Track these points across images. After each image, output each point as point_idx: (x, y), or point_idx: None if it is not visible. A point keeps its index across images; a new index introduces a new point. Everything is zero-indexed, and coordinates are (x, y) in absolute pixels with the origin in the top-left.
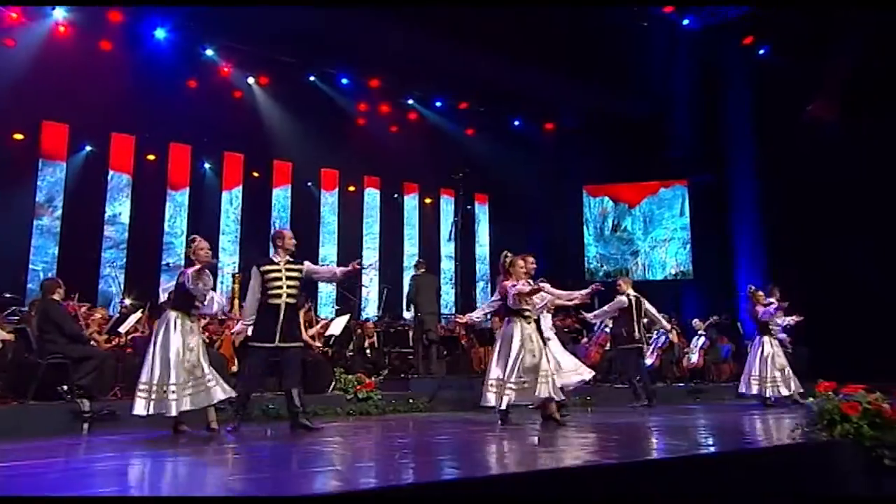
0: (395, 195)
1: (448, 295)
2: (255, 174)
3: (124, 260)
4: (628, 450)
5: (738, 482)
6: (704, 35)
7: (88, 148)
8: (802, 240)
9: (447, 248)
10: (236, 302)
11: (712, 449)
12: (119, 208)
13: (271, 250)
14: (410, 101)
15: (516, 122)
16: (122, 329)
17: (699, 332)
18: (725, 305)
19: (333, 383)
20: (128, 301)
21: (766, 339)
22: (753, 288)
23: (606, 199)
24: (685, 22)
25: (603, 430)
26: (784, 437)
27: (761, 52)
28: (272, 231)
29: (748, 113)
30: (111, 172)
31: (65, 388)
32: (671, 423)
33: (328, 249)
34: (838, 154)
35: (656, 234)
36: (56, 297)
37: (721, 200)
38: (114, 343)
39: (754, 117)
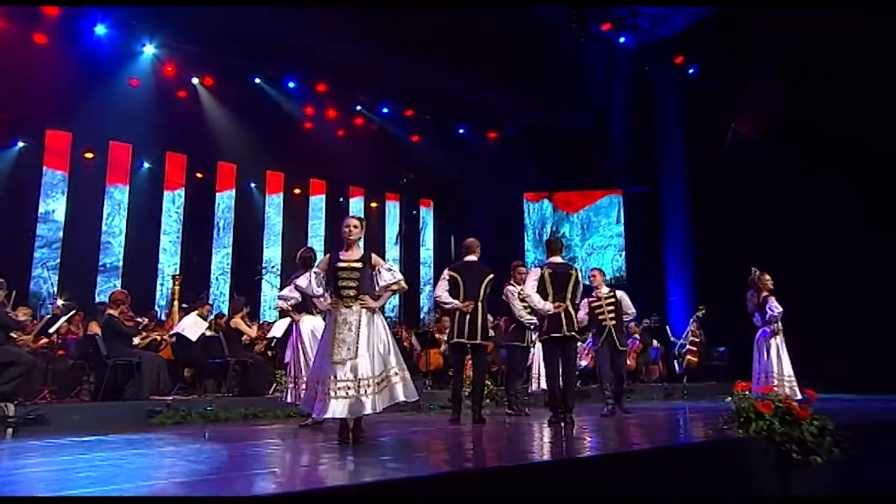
0: (341, 199)
1: (392, 299)
2: (199, 175)
3: (58, 259)
4: (558, 447)
5: (663, 478)
6: (639, 53)
7: (21, 143)
8: (728, 249)
9: (392, 252)
10: (175, 304)
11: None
12: (53, 205)
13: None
14: (358, 107)
15: (461, 130)
16: (53, 330)
17: (633, 336)
18: (656, 309)
19: (274, 385)
20: (60, 302)
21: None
22: (759, 273)
23: (546, 201)
24: (621, 40)
25: (528, 430)
26: (704, 435)
27: (691, 71)
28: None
29: (679, 128)
30: (45, 169)
31: None
32: (602, 421)
33: (273, 252)
34: (763, 169)
35: (594, 241)
36: None
37: (654, 210)
38: (41, 343)
39: (685, 132)
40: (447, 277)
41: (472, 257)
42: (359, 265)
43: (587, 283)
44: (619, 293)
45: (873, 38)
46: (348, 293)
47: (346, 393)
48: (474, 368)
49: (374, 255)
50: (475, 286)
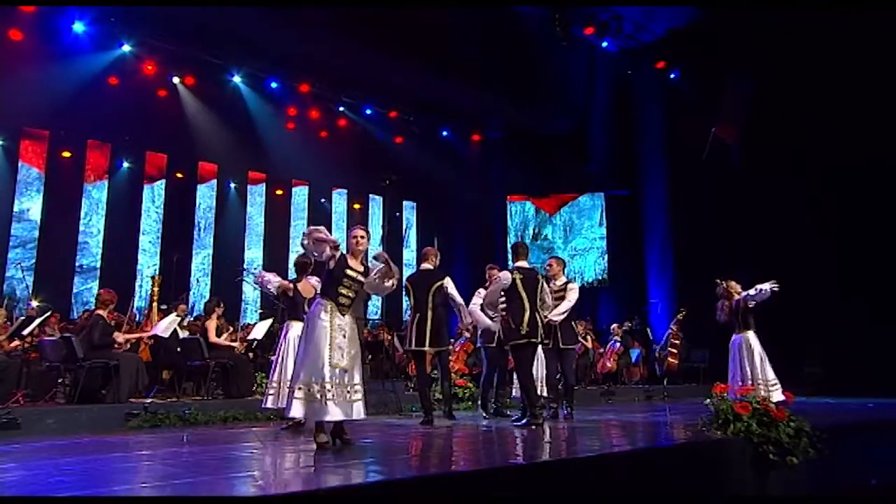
0: (323, 200)
1: (375, 300)
2: (179, 175)
3: (33, 260)
4: (534, 450)
5: (644, 478)
6: (621, 57)
7: None
8: (708, 252)
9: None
10: (154, 306)
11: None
12: (28, 204)
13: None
14: (341, 108)
15: (444, 133)
16: (26, 332)
17: (615, 338)
18: (637, 312)
19: (255, 387)
20: (35, 303)
21: (750, 334)
22: (725, 283)
23: (528, 203)
24: (604, 44)
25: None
26: (685, 437)
27: (672, 76)
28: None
29: (660, 132)
30: (21, 164)
31: None
32: (584, 424)
33: (254, 252)
34: (742, 174)
35: (576, 244)
36: None
37: (635, 213)
38: (15, 346)
39: (666, 136)
40: (405, 288)
41: (427, 265)
42: (362, 278)
43: (544, 272)
44: (570, 284)
45: (850, 44)
46: (345, 301)
47: (347, 398)
48: (440, 372)
49: (368, 266)
50: (424, 294)
